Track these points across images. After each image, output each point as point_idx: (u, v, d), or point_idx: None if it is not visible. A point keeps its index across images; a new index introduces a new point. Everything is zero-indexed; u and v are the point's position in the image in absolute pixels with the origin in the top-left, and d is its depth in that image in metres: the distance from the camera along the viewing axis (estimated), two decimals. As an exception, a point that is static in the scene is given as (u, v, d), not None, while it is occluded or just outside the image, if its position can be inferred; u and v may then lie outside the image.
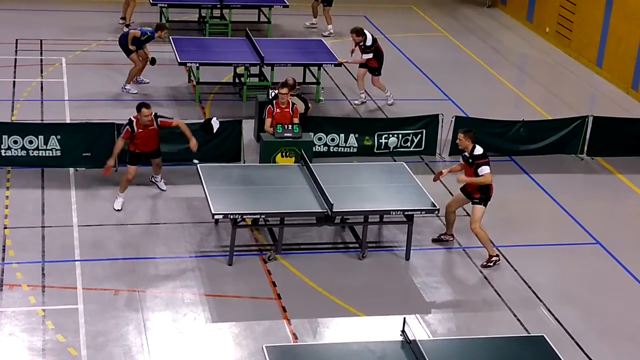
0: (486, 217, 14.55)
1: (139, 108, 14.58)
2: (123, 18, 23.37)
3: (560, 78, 22.61)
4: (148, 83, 19.59)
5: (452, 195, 15.74)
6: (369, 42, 18.96)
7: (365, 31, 19.05)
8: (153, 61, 19.13)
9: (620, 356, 12.17)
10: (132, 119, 14.60)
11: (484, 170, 13.66)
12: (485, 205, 13.87)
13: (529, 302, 13.14)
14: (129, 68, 19.20)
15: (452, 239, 14.51)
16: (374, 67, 19.20)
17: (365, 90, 19.47)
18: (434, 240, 14.53)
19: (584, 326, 12.66)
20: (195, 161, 14.68)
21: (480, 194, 13.80)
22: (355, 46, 19.26)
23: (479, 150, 13.75)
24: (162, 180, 15.40)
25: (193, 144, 14.77)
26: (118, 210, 14.66)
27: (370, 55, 19.00)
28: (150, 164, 15.22)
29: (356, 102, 19.56)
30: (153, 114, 14.65)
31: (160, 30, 19.13)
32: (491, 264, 13.97)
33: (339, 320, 12.47)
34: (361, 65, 19.29)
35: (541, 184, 16.70)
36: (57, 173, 15.62)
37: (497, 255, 14.05)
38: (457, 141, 14.09)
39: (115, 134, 15.63)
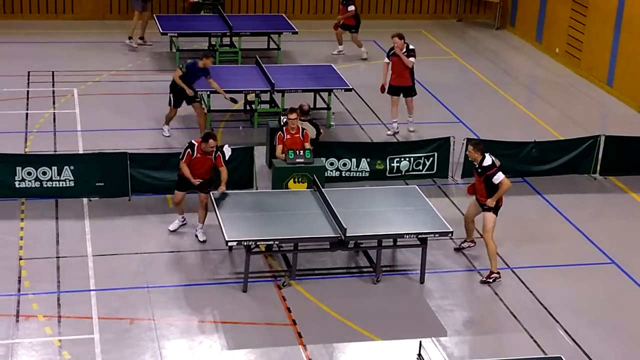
0: (501, 235, 14.53)
1: (206, 138, 14.35)
2: (141, 38, 23.69)
3: (571, 98, 22.60)
4: (169, 136, 18.64)
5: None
6: (411, 47, 18.85)
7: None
8: (234, 100, 18.28)
9: (638, 376, 12.13)
10: (194, 142, 14.49)
11: (499, 177, 13.86)
12: (495, 213, 13.98)
13: (545, 323, 13.08)
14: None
15: (473, 244, 14.76)
16: (409, 86, 18.98)
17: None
18: (456, 250, 14.73)
19: (602, 347, 12.59)
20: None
21: (487, 198, 13.93)
22: (389, 64, 18.83)
23: (487, 160, 13.98)
24: (202, 228, 14.75)
25: (222, 189, 14.37)
26: (171, 231, 14.90)
27: (414, 60, 18.77)
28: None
29: (389, 132, 19.27)
30: (216, 146, 14.52)
31: (205, 57, 17.91)
32: (490, 280, 14.00)
33: (354, 345, 12.44)
34: (391, 92, 19.00)
35: (555, 204, 16.66)
36: (71, 203, 15.67)
37: (498, 273, 14.06)
38: (467, 153, 14.38)
39: (128, 164, 15.70)
